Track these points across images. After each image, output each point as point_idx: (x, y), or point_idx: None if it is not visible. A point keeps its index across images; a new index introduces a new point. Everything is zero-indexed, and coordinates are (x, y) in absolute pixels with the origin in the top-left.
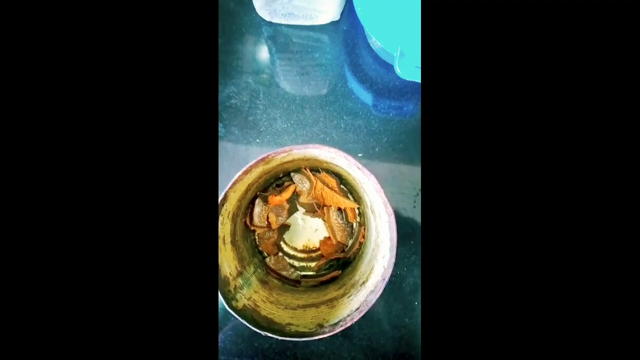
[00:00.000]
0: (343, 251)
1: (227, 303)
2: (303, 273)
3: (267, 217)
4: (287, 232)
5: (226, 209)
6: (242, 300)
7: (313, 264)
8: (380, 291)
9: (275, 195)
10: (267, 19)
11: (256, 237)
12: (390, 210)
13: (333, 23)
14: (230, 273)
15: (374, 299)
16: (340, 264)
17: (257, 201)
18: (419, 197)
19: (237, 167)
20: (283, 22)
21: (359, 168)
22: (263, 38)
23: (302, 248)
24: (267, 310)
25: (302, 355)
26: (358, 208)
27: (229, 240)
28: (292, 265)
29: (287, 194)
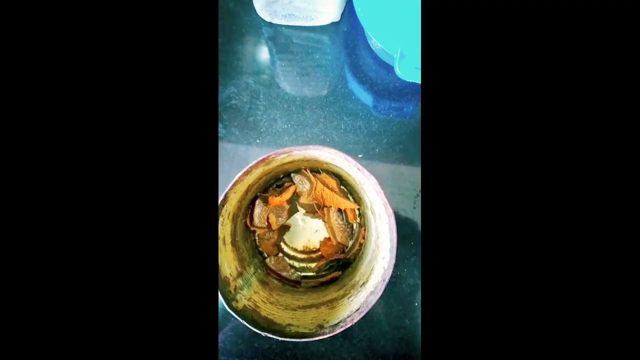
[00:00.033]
0: (343, 252)
1: (227, 304)
2: (303, 274)
3: (268, 218)
4: (287, 233)
5: (226, 210)
6: (242, 300)
7: (313, 265)
8: (381, 292)
9: (276, 196)
10: (268, 19)
11: (256, 238)
12: (390, 211)
13: (333, 24)
14: (230, 274)
15: (374, 299)
16: (340, 264)
17: (257, 202)
18: (419, 198)
19: (238, 168)
20: (283, 23)
21: (359, 169)
22: (263, 39)
23: (302, 249)
24: (267, 310)
25: (302, 356)
26: (358, 209)
27: (229, 240)
28: (292, 266)
29: (287, 195)
